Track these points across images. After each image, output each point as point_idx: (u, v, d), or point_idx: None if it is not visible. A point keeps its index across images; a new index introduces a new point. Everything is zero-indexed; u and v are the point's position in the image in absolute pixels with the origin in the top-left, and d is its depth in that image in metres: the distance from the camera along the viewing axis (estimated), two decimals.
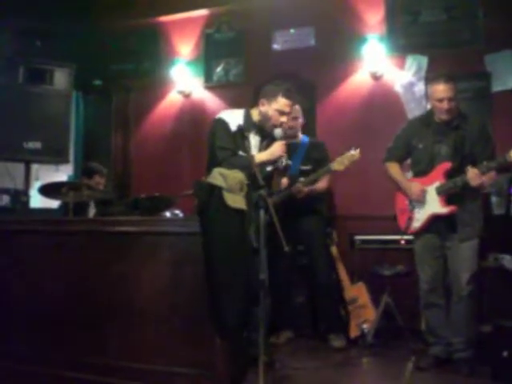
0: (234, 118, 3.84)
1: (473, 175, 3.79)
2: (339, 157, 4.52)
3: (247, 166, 3.66)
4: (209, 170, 3.85)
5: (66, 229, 3.94)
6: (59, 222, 4.23)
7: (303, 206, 4.75)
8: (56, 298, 3.79)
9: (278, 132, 3.86)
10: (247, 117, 3.90)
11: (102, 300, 3.66)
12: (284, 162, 3.84)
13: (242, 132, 3.76)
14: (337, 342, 4.74)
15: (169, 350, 3.45)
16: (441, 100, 3.95)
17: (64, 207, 5.29)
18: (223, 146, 3.76)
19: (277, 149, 3.79)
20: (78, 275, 3.76)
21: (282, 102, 3.83)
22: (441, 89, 3.95)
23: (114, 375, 3.55)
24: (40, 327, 3.81)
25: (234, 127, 3.77)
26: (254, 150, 3.86)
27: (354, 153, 4.46)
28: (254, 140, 3.90)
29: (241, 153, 3.80)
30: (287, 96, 3.85)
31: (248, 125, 3.85)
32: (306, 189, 4.70)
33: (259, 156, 3.81)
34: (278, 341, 4.88)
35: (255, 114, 3.94)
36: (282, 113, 3.84)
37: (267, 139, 3.95)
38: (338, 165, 4.50)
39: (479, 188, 3.87)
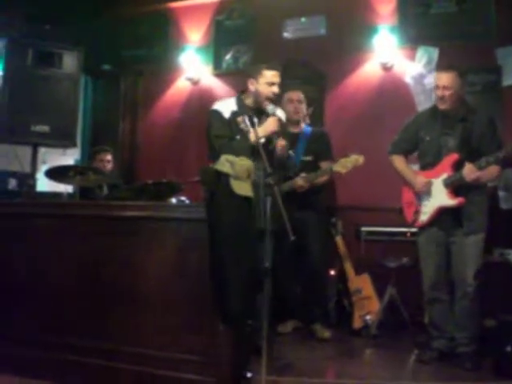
0: (226, 106, 3.96)
1: (467, 170, 3.80)
2: (343, 158, 4.49)
3: (245, 146, 3.78)
4: (210, 161, 3.95)
5: (73, 213, 3.94)
6: (66, 206, 4.23)
7: (301, 197, 4.71)
8: (62, 282, 3.80)
9: (270, 108, 3.88)
10: (240, 102, 4.00)
11: (107, 284, 3.67)
12: (278, 138, 3.89)
13: (236, 117, 3.88)
14: (323, 333, 4.72)
15: (172, 335, 3.46)
16: (436, 87, 3.97)
17: (79, 191, 5.29)
18: (218, 134, 3.86)
19: (270, 123, 3.83)
20: (85, 259, 3.76)
21: (268, 74, 3.92)
22: (438, 76, 3.98)
23: (118, 360, 3.57)
24: (45, 311, 3.82)
25: (227, 114, 3.90)
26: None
27: (359, 157, 4.43)
28: (249, 123, 3.90)
29: (238, 137, 3.86)
30: (271, 68, 3.95)
31: (242, 109, 3.93)
32: (307, 185, 4.68)
33: (254, 134, 3.83)
34: (284, 330, 4.89)
35: (247, 98, 4.02)
36: (271, 84, 3.92)
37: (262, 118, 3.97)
38: (340, 167, 4.47)
39: (475, 183, 3.85)
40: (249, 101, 4.00)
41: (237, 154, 3.76)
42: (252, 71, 4.02)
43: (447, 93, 3.92)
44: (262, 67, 3.96)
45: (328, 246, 5.07)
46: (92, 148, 6.23)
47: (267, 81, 3.90)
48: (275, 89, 3.93)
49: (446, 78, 3.92)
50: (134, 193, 4.89)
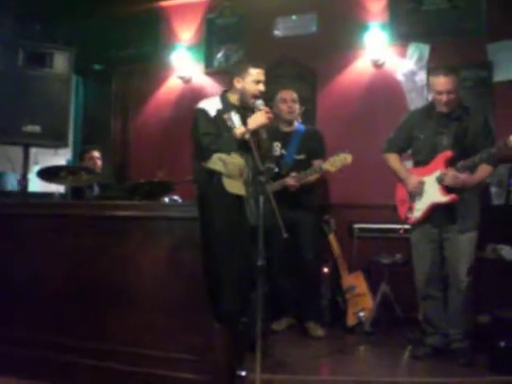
0: (211, 104, 3.99)
1: (447, 178, 3.87)
2: (332, 157, 4.52)
3: (232, 140, 3.82)
4: (194, 159, 4.01)
5: (66, 212, 3.92)
6: (59, 206, 4.21)
7: (292, 196, 4.71)
8: (55, 283, 3.79)
9: (259, 103, 3.92)
10: (224, 100, 4.03)
11: (100, 285, 3.66)
12: (265, 133, 3.94)
13: (222, 115, 3.92)
14: (317, 331, 4.73)
15: (167, 334, 3.46)
16: (440, 93, 3.94)
17: (70, 191, 5.28)
18: (206, 131, 3.87)
19: (259, 116, 3.86)
20: (77, 259, 3.75)
21: (254, 72, 3.97)
22: (440, 82, 3.93)
23: (113, 360, 3.56)
24: (39, 311, 3.81)
25: (213, 112, 3.93)
26: None
27: (347, 156, 4.47)
28: (235, 120, 3.97)
29: (226, 135, 3.88)
30: (257, 65, 4.00)
31: (227, 107, 3.98)
32: (298, 183, 4.68)
33: (241, 128, 3.87)
34: (278, 327, 4.88)
35: (231, 96, 4.05)
36: (257, 82, 3.97)
37: (249, 114, 3.99)
38: (330, 165, 4.52)
39: (460, 188, 3.88)
40: (234, 98, 4.02)
41: (225, 150, 3.79)
42: (238, 69, 4.06)
43: (452, 97, 3.92)
44: (248, 65, 4.00)
45: (320, 243, 5.07)
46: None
47: (253, 79, 3.94)
48: (261, 87, 3.97)
49: (448, 83, 3.90)
50: (127, 192, 4.88)
